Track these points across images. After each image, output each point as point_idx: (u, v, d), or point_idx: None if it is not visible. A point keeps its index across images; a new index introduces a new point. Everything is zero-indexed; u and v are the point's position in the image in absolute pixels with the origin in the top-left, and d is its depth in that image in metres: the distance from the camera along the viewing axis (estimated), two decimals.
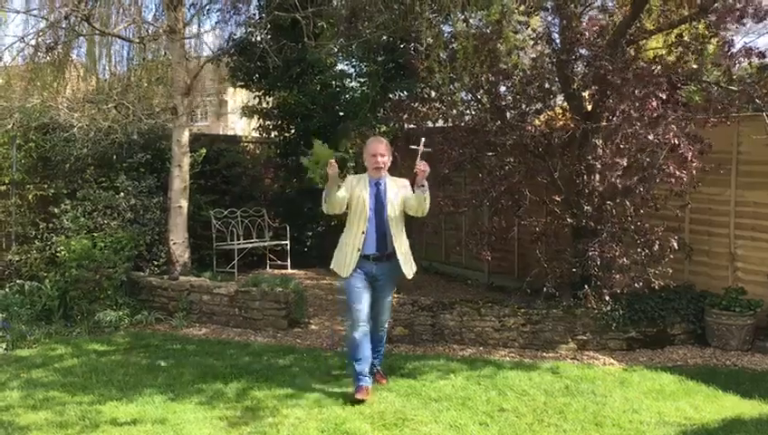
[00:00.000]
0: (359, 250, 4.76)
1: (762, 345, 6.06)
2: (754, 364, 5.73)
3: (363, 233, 4.76)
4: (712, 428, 4.30)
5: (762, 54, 6.02)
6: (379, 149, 4.84)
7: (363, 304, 4.80)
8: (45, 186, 8.31)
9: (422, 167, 4.54)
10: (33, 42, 8.13)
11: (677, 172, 5.67)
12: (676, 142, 5.59)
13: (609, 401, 4.76)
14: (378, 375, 5.18)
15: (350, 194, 4.79)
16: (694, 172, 5.79)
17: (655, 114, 5.65)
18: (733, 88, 6.07)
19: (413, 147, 4.69)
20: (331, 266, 4.95)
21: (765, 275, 6.29)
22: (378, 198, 4.81)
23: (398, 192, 4.87)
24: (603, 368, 5.60)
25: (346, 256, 4.83)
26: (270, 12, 8.86)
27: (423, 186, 4.61)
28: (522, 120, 6.48)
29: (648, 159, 5.79)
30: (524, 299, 6.53)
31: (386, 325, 5.21)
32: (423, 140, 4.62)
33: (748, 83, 5.94)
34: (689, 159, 5.64)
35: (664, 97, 5.73)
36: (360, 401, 4.68)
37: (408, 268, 4.98)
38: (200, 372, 5.42)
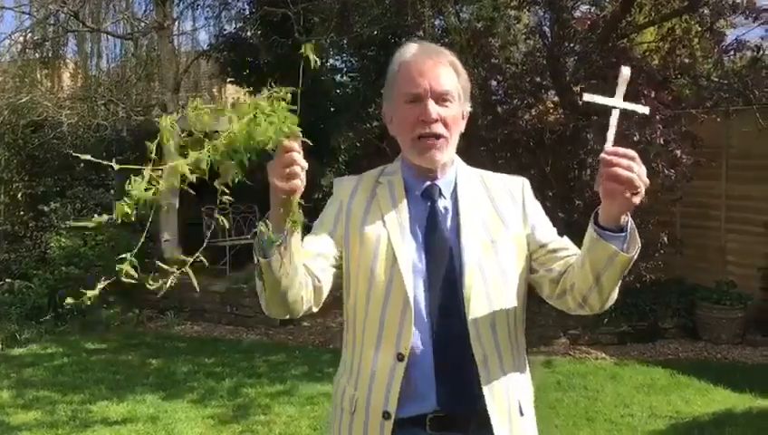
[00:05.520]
0: (385, 413, 1.40)
1: (752, 338, 6.08)
2: (745, 357, 5.75)
3: (401, 358, 1.40)
4: (703, 421, 4.31)
5: (756, 48, 6.02)
6: (437, 77, 1.52)
7: None
8: (34, 184, 8.26)
9: (621, 166, 1.30)
10: (20, 38, 8.10)
11: (666, 171, 5.67)
12: (663, 142, 5.59)
13: (600, 396, 4.76)
14: None
15: (342, 241, 1.51)
16: (685, 169, 5.79)
17: None
18: (724, 81, 6.08)
19: (589, 97, 1.46)
20: None
21: (756, 268, 6.31)
22: (434, 235, 1.52)
23: (504, 218, 1.64)
24: (595, 362, 5.61)
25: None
26: (260, 7, 8.80)
27: (623, 231, 1.34)
28: (513, 115, 6.47)
29: None
30: None
31: None
32: (624, 71, 1.42)
33: (740, 75, 5.95)
34: (679, 156, 5.64)
35: (652, 95, 5.72)
36: None
37: None
38: (192, 370, 5.40)
